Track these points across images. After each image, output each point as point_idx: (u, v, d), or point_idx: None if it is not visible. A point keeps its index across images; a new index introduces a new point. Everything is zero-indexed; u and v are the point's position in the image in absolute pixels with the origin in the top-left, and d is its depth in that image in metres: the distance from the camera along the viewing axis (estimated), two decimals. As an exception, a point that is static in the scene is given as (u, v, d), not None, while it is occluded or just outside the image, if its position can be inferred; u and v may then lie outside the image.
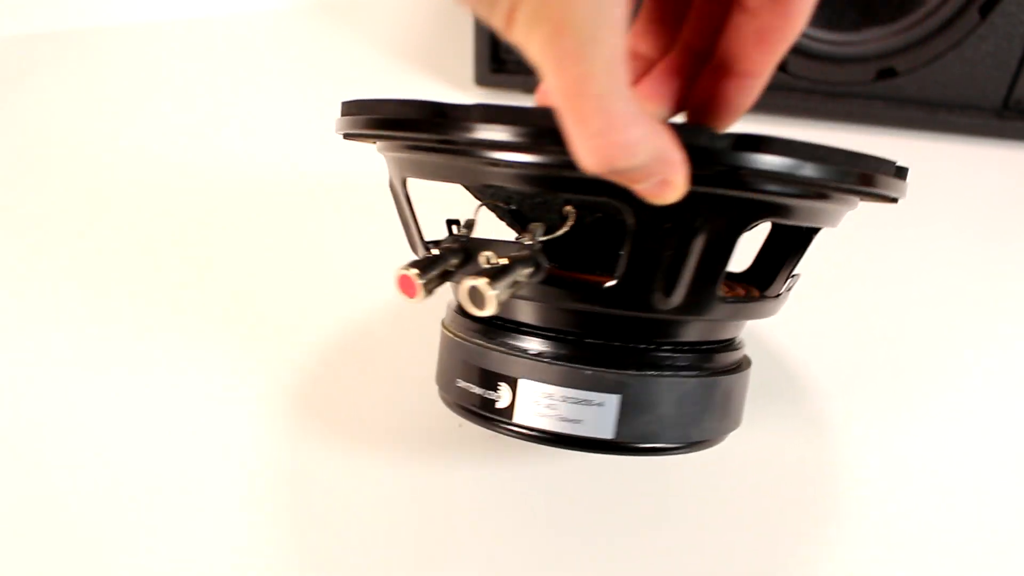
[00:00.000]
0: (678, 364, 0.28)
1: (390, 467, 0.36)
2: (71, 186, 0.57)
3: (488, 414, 0.29)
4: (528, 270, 0.25)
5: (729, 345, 0.31)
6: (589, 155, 0.19)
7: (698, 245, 0.25)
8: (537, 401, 0.28)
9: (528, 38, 0.18)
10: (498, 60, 0.70)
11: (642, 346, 0.28)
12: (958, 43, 0.64)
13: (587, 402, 0.27)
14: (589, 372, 0.27)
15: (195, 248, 0.50)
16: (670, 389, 0.28)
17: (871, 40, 0.66)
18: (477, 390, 0.30)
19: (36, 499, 0.34)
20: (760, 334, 0.44)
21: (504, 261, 0.25)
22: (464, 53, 0.73)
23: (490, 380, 0.29)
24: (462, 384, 0.30)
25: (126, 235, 0.51)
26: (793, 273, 0.34)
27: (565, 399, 0.28)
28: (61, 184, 0.57)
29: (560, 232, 0.27)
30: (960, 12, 0.63)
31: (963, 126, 0.68)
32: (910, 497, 0.36)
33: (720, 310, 0.27)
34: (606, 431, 0.28)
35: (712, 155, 0.22)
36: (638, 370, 0.27)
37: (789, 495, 0.35)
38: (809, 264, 0.34)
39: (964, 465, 0.37)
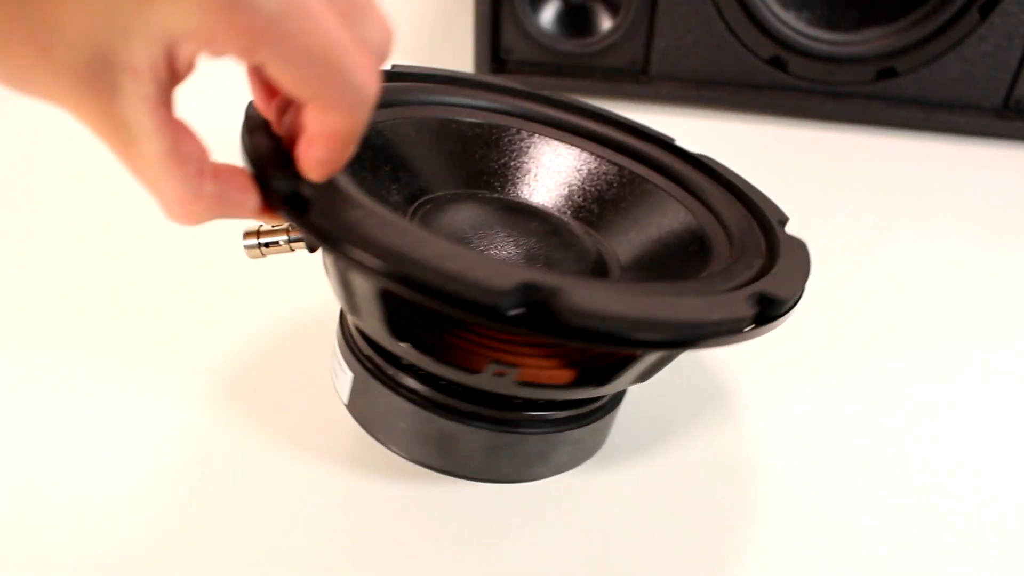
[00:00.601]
0: (402, 384, 0.29)
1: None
2: (69, 186, 0.57)
3: None
4: (293, 238, 0.29)
5: (506, 403, 0.29)
6: (169, 217, 0.22)
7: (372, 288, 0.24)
8: (335, 350, 0.33)
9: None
10: (498, 60, 0.70)
11: (397, 355, 0.29)
12: (958, 43, 0.64)
13: (340, 366, 0.31)
14: (343, 345, 0.31)
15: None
16: (389, 401, 0.29)
17: (871, 40, 0.66)
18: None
19: None
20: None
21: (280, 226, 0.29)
22: (464, 52, 0.73)
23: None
24: None
25: (117, 234, 0.51)
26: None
27: (335, 355, 0.32)
28: (59, 184, 0.57)
29: None
30: (960, 12, 0.63)
31: (963, 126, 0.68)
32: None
33: (440, 367, 0.27)
34: (344, 397, 0.31)
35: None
36: (365, 369, 0.30)
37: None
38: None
39: (965, 467, 0.37)
